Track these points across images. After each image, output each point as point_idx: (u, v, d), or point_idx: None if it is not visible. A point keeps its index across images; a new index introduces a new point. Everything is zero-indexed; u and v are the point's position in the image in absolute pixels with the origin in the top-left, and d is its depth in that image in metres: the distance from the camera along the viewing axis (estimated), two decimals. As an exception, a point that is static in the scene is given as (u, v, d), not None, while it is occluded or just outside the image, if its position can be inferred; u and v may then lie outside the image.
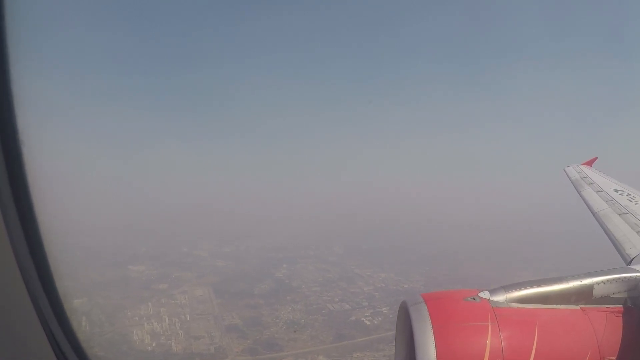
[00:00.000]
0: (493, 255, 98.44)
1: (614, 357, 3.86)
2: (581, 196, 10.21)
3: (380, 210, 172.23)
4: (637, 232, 6.94)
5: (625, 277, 4.35)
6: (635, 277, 4.36)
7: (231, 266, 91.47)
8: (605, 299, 4.24)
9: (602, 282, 4.27)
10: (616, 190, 9.75)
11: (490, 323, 3.81)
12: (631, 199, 8.91)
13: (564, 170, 13.16)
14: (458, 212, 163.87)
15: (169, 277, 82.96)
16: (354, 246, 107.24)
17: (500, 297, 4.08)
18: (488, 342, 3.72)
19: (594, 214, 8.71)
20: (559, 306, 4.13)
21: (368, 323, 65.42)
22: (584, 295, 4.21)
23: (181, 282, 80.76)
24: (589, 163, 13.38)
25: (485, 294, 4.11)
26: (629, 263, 5.79)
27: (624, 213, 8.01)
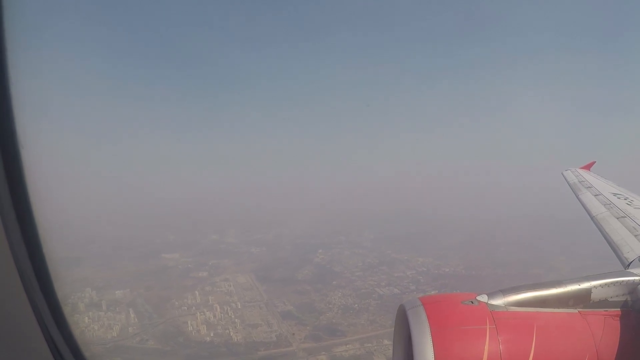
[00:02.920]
0: (525, 242, 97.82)
1: None
2: (579, 200, 10.20)
3: (400, 201, 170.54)
4: (635, 236, 6.89)
5: (623, 281, 4.28)
6: (633, 280, 4.29)
7: (266, 253, 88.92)
8: (603, 303, 4.19)
9: (600, 285, 4.22)
10: (614, 194, 9.73)
11: (488, 326, 3.76)
12: (629, 203, 8.88)
13: (562, 174, 13.12)
14: (477, 203, 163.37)
15: (206, 264, 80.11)
16: (383, 233, 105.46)
17: (498, 301, 4.02)
18: (486, 345, 3.67)
19: (592, 217, 8.69)
20: (557, 310, 4.08)
21: (422, 307, 63.88)
22: (582, 299, 4.17)
23: (220, 270, 77.99)
24: (587, 167, 13.39)
25: (483, 298, 4.06)
26: (627, 266, 5.73)
27: (623, 217, 7.97)
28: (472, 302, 3.98)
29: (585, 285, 4.20)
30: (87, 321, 57.57)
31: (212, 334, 55.50)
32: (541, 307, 4.05)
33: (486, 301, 4.00)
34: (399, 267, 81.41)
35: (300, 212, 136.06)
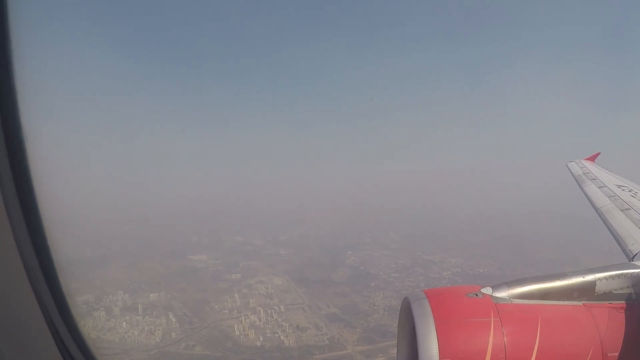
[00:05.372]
0: (550, 239, 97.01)
1: (617, 353, 3.79)
2: (584, 192, 10.19)
3: (418, 199, 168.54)
4: None
5: (627, 273, 4.22)
6: (638, 273, 4.23)
7: (295, 254, 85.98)
8: (607, 295, 4.15)
9: (605, 278, 4.18)
10: (619, 186, 9.68)
11: (492, 319, 3.75)
12: (634, 195, 8.81)
13: (567, 165, 13.11)
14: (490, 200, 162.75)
15: (237, 266, 77.01)
16: (408, 233, 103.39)
17: (502, 293, 4.01)
18: (490, 338, 3.66)
19: (596, 209, 8.66)
20: (561, 302, 4.06)
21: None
22: (586, 291, 4.13)
23: (252, 272, 75.02)
24: (592, 158, 13.37)
25: (487, 290, 4.04)
26: (632, 259, 5.68)
27: (627, 209, 7.91)
28: (476, 295, 3.94)
29: (589, 277, 4.14)
30: (126, 326, 54.45)
31: (261, 338, 52.78)
32: (545, 300, 4.00)
33: (490, 294, 3.96)
34: (433, 268, 79.73)
35: (319, 211, 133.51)
